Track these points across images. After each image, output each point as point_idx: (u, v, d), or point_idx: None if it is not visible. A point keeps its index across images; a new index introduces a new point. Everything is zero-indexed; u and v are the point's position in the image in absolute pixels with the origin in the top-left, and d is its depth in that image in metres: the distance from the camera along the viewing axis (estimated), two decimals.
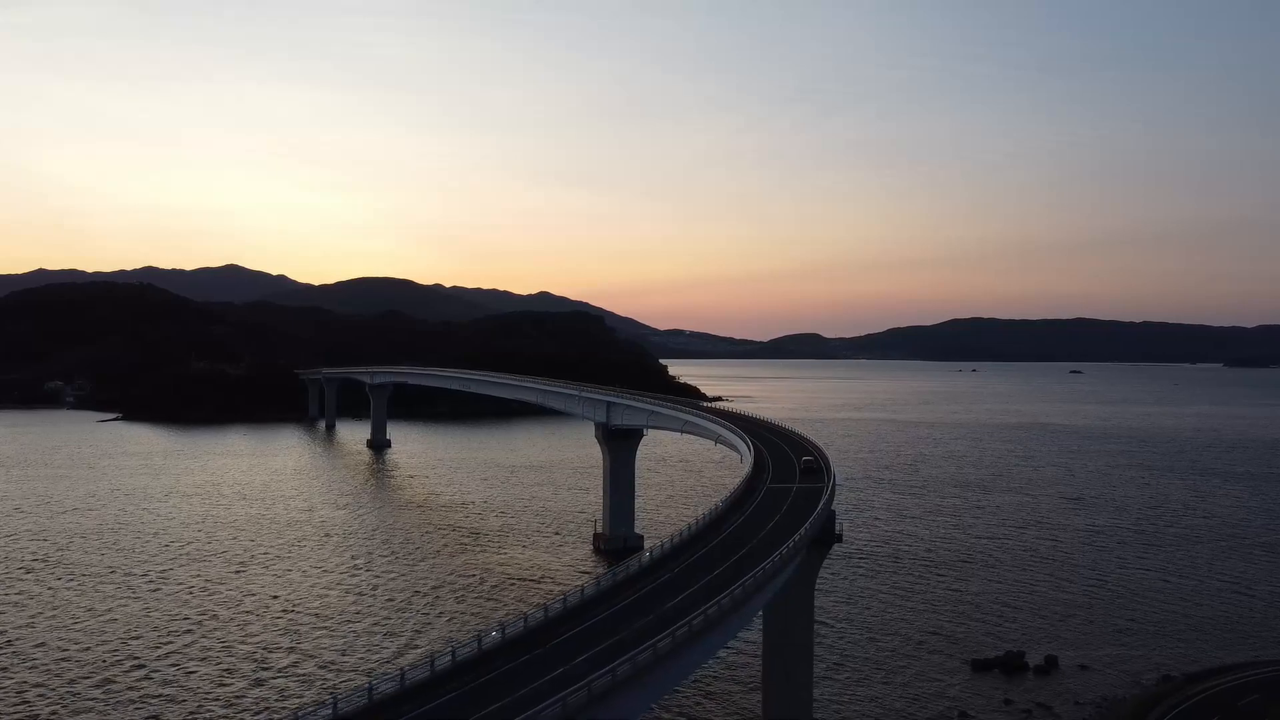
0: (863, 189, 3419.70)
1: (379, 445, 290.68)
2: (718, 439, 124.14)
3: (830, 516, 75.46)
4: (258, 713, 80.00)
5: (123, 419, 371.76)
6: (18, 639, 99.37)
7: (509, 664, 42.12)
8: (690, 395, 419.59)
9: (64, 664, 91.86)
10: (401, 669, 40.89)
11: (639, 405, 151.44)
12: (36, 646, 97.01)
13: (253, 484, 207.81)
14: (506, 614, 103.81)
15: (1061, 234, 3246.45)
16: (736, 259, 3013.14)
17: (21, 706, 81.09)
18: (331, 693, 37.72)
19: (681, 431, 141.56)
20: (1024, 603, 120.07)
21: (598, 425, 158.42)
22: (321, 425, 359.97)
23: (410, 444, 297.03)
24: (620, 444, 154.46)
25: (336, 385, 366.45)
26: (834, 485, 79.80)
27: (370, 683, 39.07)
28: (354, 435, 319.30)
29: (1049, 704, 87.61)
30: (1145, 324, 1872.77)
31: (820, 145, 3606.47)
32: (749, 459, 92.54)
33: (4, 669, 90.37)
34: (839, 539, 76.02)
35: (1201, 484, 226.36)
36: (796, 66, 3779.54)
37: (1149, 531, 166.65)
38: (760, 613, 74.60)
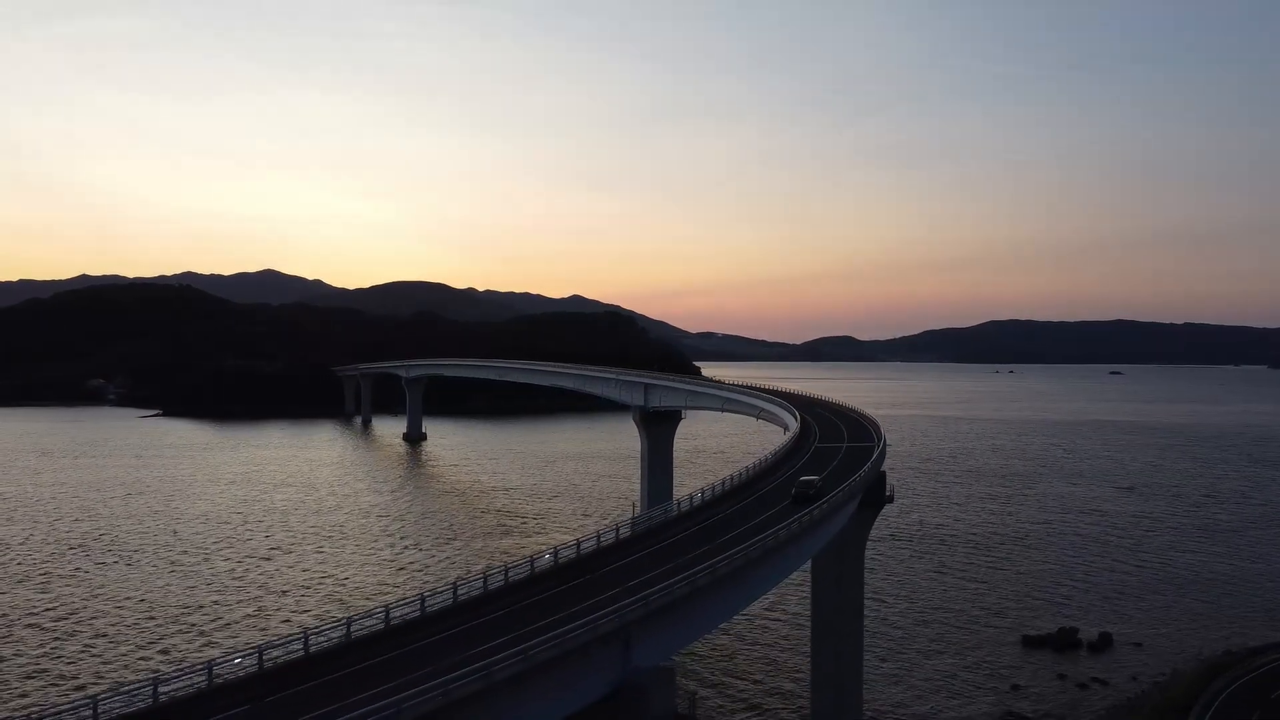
0: (897, 190, 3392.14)
1: (415, 438, 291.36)
2: (759, 413, 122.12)
3: (881, 477, 73.44)
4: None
5: (162, 415, 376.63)
6: (80, 609, 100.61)
7: (559, 586, 40.77)
8: None
9: (127, 630, 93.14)
10: (454, 583, 39.68)
11: (678, 386, 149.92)
12: (98, 615, 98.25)
13: (293, 473, 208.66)
14: None
15: (1100, 234, 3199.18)
16: (769, 261, 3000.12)
17: (82, 666, 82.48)
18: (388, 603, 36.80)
19: (722, 409, 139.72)
20: (1075, 583, 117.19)
21: (635, 408, 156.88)
22: (358, 421, 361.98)
23: (446, 437, 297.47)
24: (658, 427, 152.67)
25: (372, 381, 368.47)
26: (884, 444, 77.50)
27: (421, 595, 37.92)
28: (390, 429, 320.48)
29: (1105, 678, 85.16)
30: (1187, 325, 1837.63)
31: (853, 146, 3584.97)
32: (794, 426, 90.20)
33: (73, 635, 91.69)
34: (890, 499, 73.88)
35: (1257, 474, 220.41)
36: (827, 67, 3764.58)
37: (1205, 518, 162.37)
38: (810, 570, 72.82)
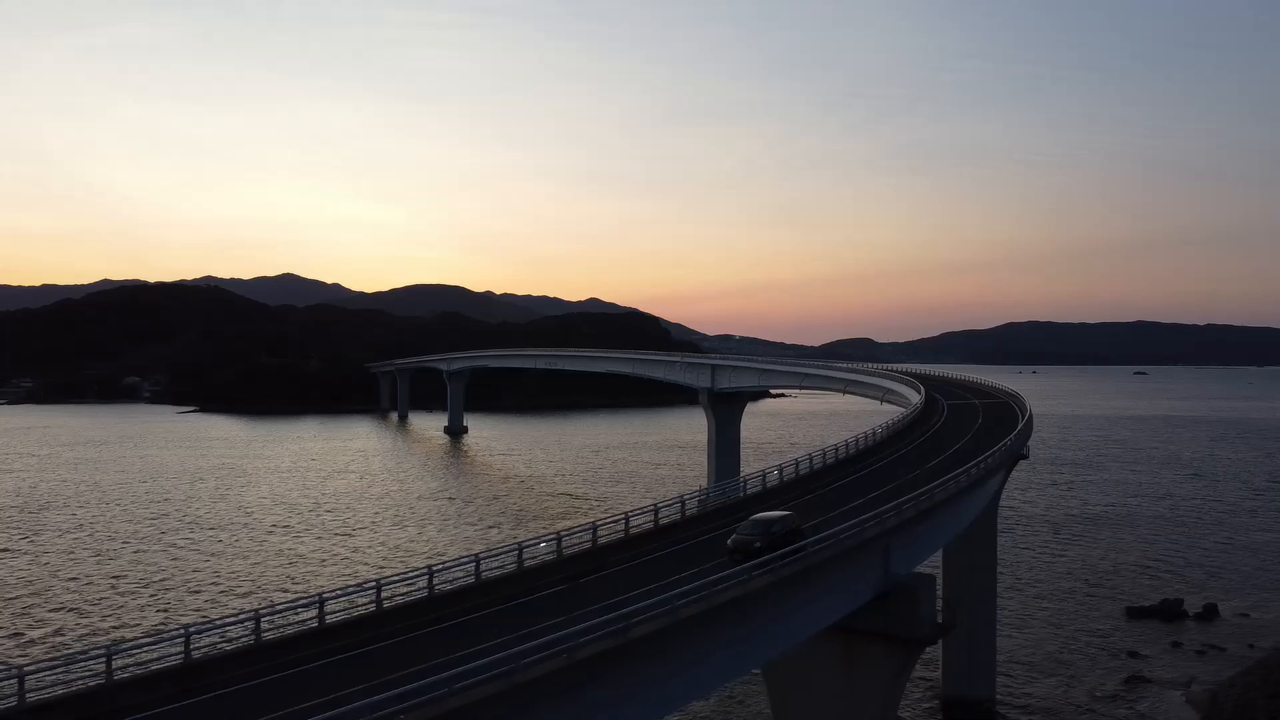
0: (914, 192, 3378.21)
1: (456, 431, 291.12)
2: (845, 387, 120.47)
3: None
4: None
5: (199, 411, 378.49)
6: (181, 580, 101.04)
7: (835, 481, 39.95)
8: None
9: (240, 594, 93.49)
10: (655, 504, 38.95)
11: (748, 365, 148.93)
12: (206, 584, 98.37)
13: (346, 462, 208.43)
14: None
15: (1120, 235, 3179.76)
16: (785, 264, 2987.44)
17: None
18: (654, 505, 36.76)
19: (800, 387, 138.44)
20: (1166, 560, 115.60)
21: (702, 390, 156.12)
22: (393, 416, 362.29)
23: (486, 430, 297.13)
24: (725, 408, 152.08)
25: (408, 376, 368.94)
26: (1030, 410, 76.25)
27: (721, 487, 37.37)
28: (428, 424, 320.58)
29: (1220, 645, 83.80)
30: (1209, 326, 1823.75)
31: (871, 149, 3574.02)
32: (912, 392, 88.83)
33: (190, 604, 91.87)
34: (1025, 456, 72.99)
35: None
36: (844, 70, 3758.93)
37: (1277, 500, 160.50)
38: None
